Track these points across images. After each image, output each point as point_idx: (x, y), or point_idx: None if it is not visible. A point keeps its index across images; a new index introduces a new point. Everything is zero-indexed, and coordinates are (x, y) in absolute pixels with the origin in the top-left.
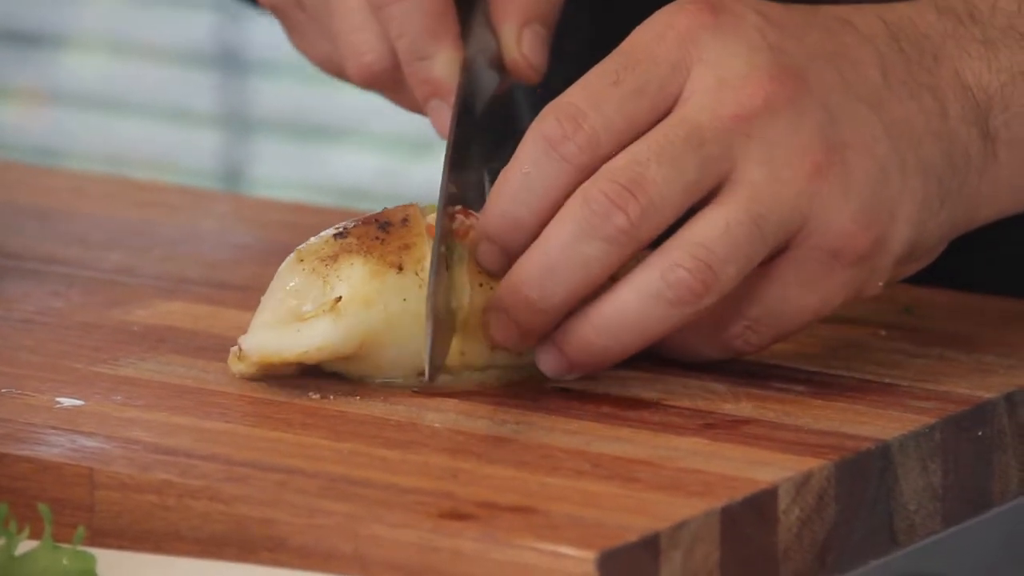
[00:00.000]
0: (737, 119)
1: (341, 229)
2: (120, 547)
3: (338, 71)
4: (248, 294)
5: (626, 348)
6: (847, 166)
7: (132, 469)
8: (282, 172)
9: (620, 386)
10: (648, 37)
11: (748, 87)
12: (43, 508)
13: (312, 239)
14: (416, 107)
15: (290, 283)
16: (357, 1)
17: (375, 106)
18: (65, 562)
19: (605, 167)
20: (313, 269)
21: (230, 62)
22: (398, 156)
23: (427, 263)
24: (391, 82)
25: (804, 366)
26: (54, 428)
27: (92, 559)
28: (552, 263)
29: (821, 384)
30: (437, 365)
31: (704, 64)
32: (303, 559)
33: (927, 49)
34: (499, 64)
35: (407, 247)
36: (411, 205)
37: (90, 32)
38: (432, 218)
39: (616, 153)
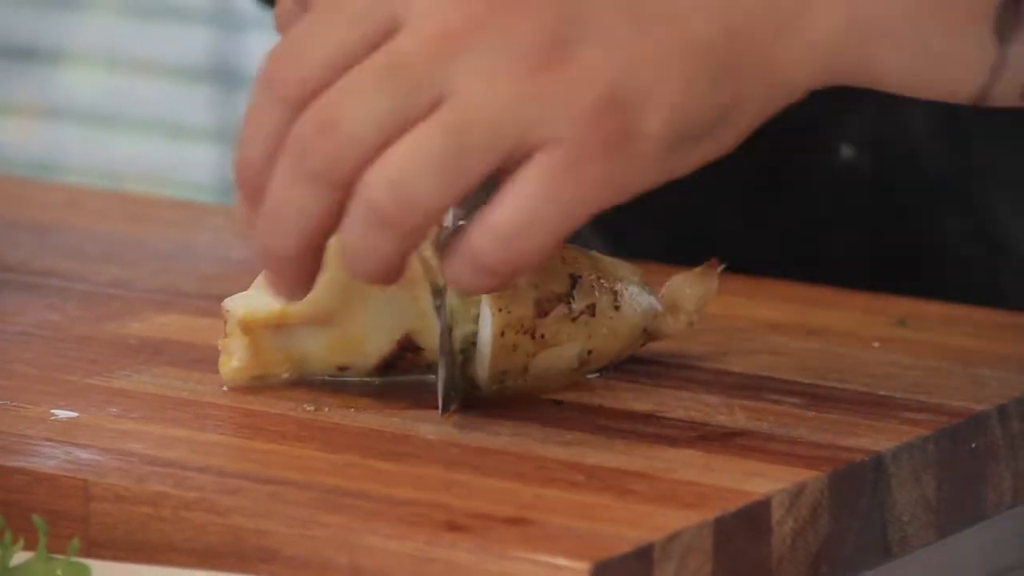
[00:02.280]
0: (441, 37)
1: None
2: (115, 558)
3: None
4: None
5: (372, 267)
6: (580, 61)
7: (127, 481)
8: None
9: (614, 398)
10: None
11: (454, 6)
12: (38, 520)
13: None
14: None
15: None
16: None
17: None
18: (59, 573)
19: (309, 107)
20: None
21: (227, 77)
22: None
23: None
24: None
25: (798, 378)
26: (49, 440)
27: (87, 570)
28: (274, 211)
29: (815, 396)
30: (448, 402)
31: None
32: (298, 570)
33: None
34: None
35: None
36: None
37: (87, 47)
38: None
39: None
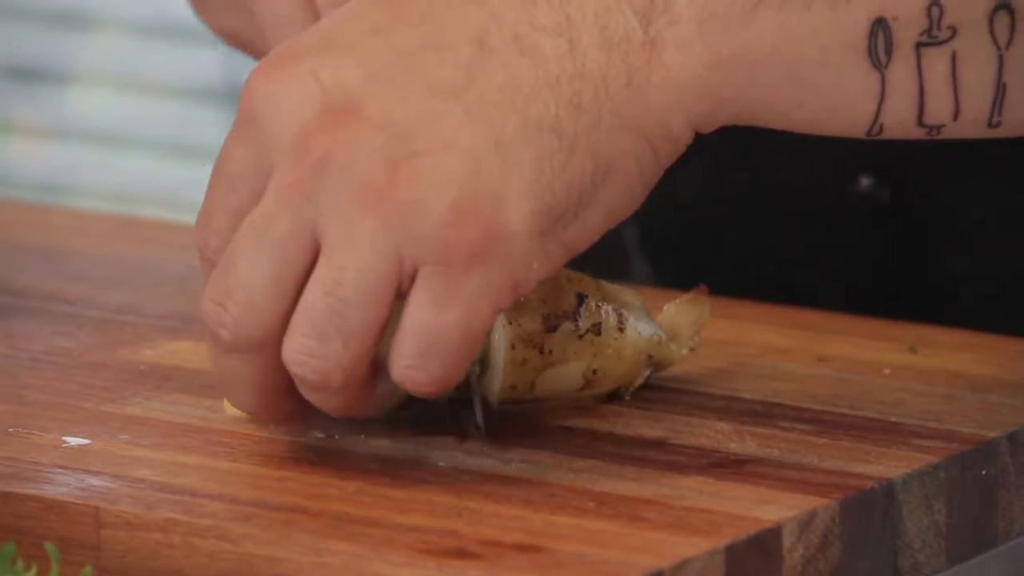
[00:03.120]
0: (292, 186)
1: None
2: None
3: (251, 51)
4: None
5: (341, 414)
6: (421, 175)
7: (138, 508)
8: None
9: (624, 425)
10: (240, 112)
11: (297, 149)
12: (50, 547)
13: None
14: None
15: None
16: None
17: None
18: None
19: (212, 277)
20: None
21: (236, 97)
22: None
23: None
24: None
25: (809, 405)
26: (61, 467)
27: None
28: (220, 381)
29: (826, 423)
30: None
31: (264, 137)
32: None
33: None
34: None
35: None
36: None
37: (96, 67)
38: None
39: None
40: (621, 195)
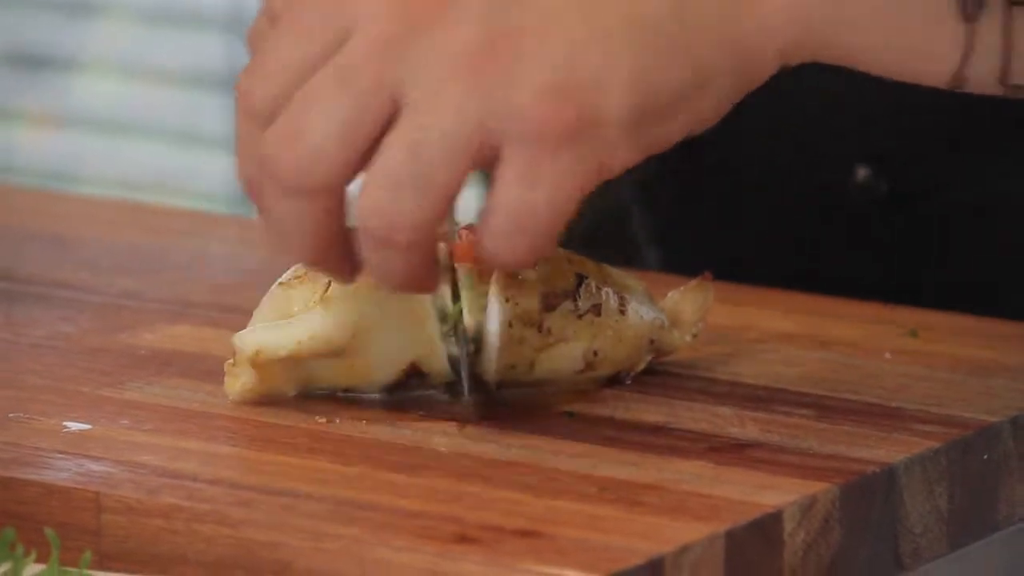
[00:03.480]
0: (388, 42)
1: None
2: (126, 571)
3: None
4: None
5: (395, 281)
6: (522, 50)
7: (139, 493)
8: None
9: (625, 409)
10: None
11: (393, 5)
12: (50, 532)
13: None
14: None
15: (281, 292)
16: None
17: None
18: None
19: (275, 120)
20: (303, 276)
21: None
22: None
23: None
24: None
25: (810, 389)
26: (61, 452)
27: None
28: (275, 228)
29: (827, 408)
30: (471, 384)
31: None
32: None
33: None
34: None
35: None
36: None
37: (101, 55)
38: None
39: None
40: (709, 107)
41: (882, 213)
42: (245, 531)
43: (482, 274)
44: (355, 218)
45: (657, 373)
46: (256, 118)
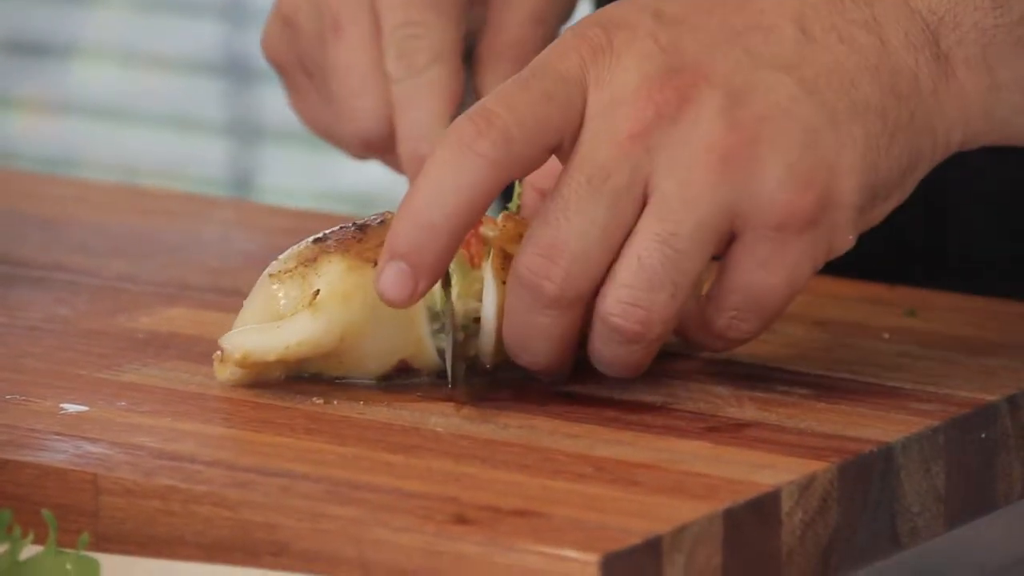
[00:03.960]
0: (634, 138)
1: (320, 235)
2: (124, 552)
3: (335, 139)
4: None
5: (630, 370)
6: (763, 140)
7: (136, 475)
8: (292, 180)
9: (623, 389)
10: (552, 56)
11: (639, 100)
12: (47, 514)
13: (294, 246)
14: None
15: (272, 286)
16: (360, 66)
17: None
18: (69, 567)
19: (525, 237)
20: (293, 271)
21: (239, 71)
22: None
23: None
24: (385, 149)
25: (807, 369)
26: (58, 434)
27: (96, 565)
28: (520, 338)
29: (824, 387)
30: (458, 375)
31: (598, 85)
32: (307, 564)
33: None
34: None
35: (383, 244)
36: (387, 212)
37: (98, 41)
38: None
39: (529, 153)
40: (911, 188)
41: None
42: (242, 512)
43: (474, 258)
44: (599, 313)
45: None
46: (481, 156)
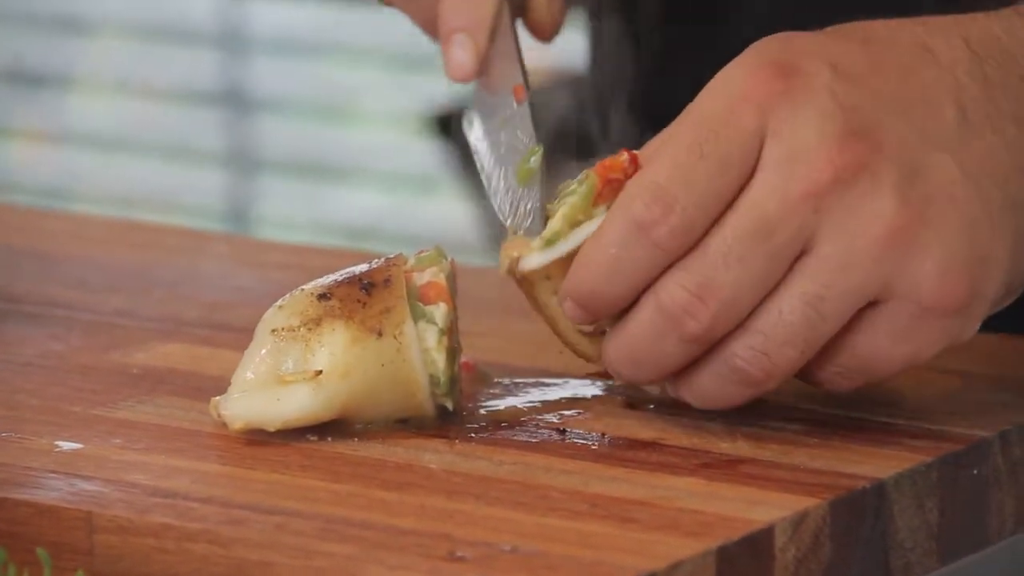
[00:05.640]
0: (806, 197)
1: (325, 291)
2: None
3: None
4: (246, 335)
5: (727, 406)
6: (930, 222)
7: (130, 512)
8: (289, 211)
9: (617, 426)
10: (721, 104)
11: (818, 161)
12: (41, 552)
13: (297, 292)
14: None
15: (273, 343)
16: None
17: (382, 145)
18: None
19: (676, 267)
20: (296, 331)
21: (236, 101)
22: (405, 195)
23: (406, 327)
24: None
25: (800, 404)
26: (53, 472)
27: None
28: (636, 356)
29: (817, 423)
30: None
31: (776, 136)
32: None
33: (1013, 71)
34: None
35: (387, 311)
36: (396, 262)
37: (95, 73)
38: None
39: (704, 225)
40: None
41: None
42: (237, 550)
43: (600, 196)
44: (724, 351)
45: (648, 389)
46: (657, 248)
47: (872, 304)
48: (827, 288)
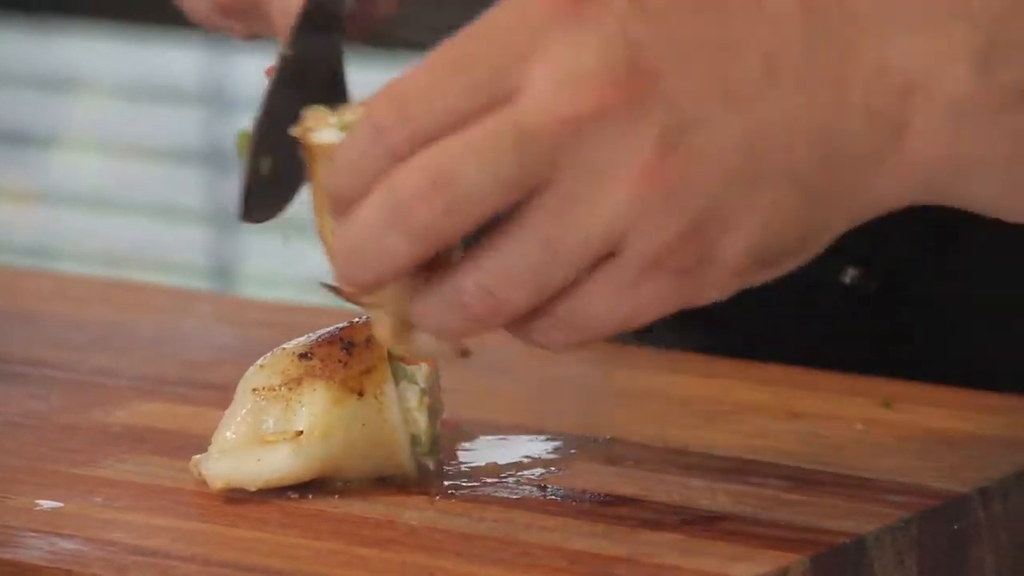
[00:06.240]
0: (566, 122)
1: (306, 351)
2: None
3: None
4: (228, 394)
5: (454, 337)
6: (683, 175)
7: (110, 571)
8: (272, 268)
9: (598, 482)
10: (500, 21)
11: (587, 88)
12: None
13: (278, 351)
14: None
15: (253, 402)
16: None
17: None
18: None
19: (420, 154)
20: (277, 390)
21: (219, 159)
22: None
23: (387, 387)
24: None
25: (781, 461)
26: (33, 531)
27: None
28: (357, 247)
29: (798, 479)
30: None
31: (548, 60)
32: None
33: (845, 33)
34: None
35: (368, 371)
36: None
37: (79, 131)
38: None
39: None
40: (812, 253)
41: (868, 311)
42: None
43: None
44: (452, 284)
45: (630, 444)
46: (390, 150)
47: (604, 255)
48: (566, 228)
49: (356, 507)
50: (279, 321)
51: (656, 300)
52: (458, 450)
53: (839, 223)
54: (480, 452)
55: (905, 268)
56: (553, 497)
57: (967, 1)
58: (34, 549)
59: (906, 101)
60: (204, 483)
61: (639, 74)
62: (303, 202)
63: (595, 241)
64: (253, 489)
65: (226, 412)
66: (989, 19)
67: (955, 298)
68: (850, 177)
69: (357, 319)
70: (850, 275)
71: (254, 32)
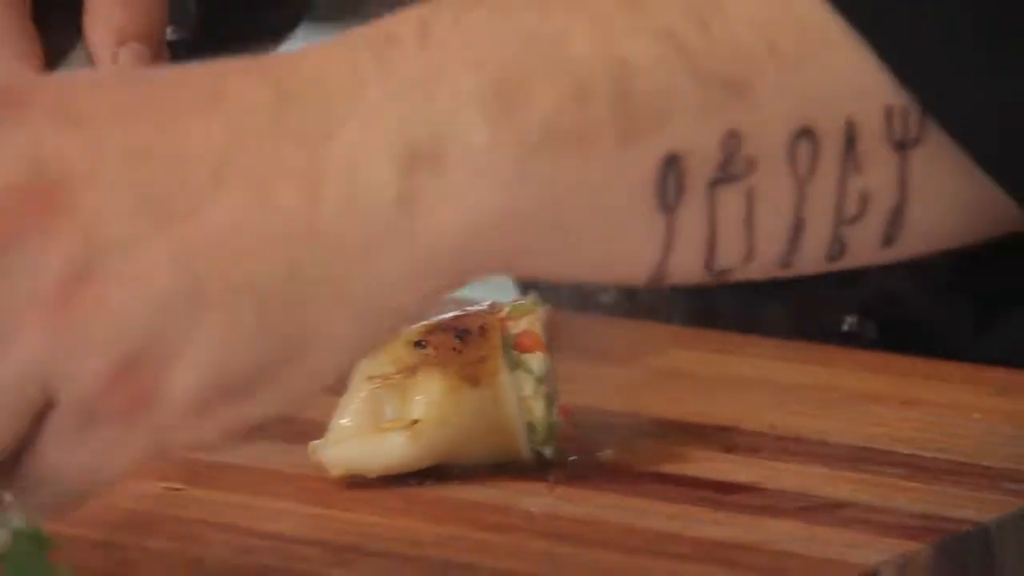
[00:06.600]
0: None
1: (420, 338)
2: None
3: None
4: (341, 381)
5: None
6: (99, 306)
7: (235, 553)
8: None
9: (715, 470)
10: None
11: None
12: None
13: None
14: None
15: (369, 390)
16: None
17: None
18: None
19: None
20: (392, 378)
21: None
22: None
23: (502, 376)
24: None
25: (899, 448)
26: (157, 514)
27: None
28: None
29: (916, 467)
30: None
31: None
32: None
33: (322, 119)
34: None
35: (483, 360)
36: (491, 310)
37: None
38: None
39: None
40: (312, 376)
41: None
42: None
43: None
44: None
45: (744, 433)
46: None
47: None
48: None
49: (475, 494)
50: None
51: (113, 450)
52: (574, 437)
53: (338, 324)
54: (596, 439)
55: (902, 316)
56: (672, 484)
57: (472, 44)
58: (159, 534)
59: (409, 176)
60: (323, 469)
61: (50, 191)
62: None
63: (14, 391)
64: (372, 476)
65: (341, 399)
66: (499, 58)
67: (957, 340)
68: (330, 279)
69: (470, 307)
70: (848, 323)
71: None
